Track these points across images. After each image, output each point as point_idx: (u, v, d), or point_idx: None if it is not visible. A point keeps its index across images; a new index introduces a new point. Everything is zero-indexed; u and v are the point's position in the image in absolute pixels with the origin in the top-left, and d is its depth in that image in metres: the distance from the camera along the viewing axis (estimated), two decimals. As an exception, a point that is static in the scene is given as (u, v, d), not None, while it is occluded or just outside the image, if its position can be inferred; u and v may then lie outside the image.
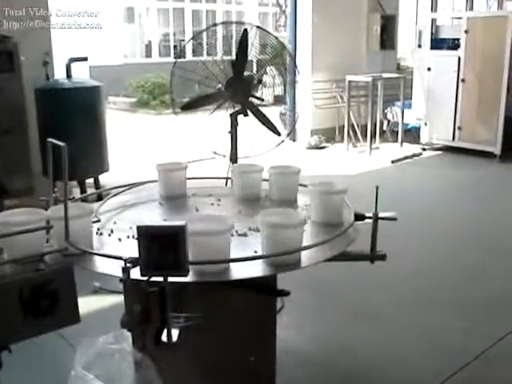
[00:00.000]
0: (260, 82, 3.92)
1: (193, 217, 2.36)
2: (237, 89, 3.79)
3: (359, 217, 2.46)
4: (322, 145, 10.19)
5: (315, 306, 4.23)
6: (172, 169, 3.02)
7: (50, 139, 1.94)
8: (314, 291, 4.35)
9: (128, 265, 1.56)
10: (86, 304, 3.66)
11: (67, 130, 6.28)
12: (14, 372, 2.06)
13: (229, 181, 3.40)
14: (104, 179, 6.73)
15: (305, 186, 2.83)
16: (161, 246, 1.49)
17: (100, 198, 3.54)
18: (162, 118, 14.44)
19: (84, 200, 3.31)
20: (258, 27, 3.98)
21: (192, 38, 4.20)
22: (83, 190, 6.50)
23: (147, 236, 1.49)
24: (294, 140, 10.26)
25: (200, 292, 1.86)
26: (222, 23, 3.91)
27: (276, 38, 3.99)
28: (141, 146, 10.56)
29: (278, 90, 4.36)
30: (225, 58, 3.87)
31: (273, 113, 10.21)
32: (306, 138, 10.22)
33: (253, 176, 3.02)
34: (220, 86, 3.76)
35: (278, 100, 13.67)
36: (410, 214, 5.55)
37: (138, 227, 1.50)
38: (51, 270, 1.81)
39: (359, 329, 3.91)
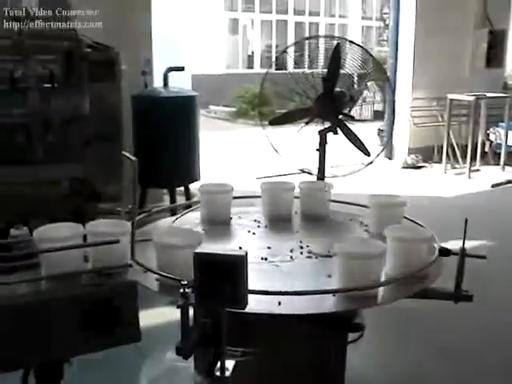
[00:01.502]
0: (352, 98, 3.79)
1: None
2: (327, 105, 3.68)
3: (444, 252, 2.28)
4: (419, 164, 9.87)
5: (392, 338, 4.04)
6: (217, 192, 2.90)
7: (124, 152, 1.91)
8: (392, 322, 4.14)
9: (186, 290, 1.49)
10: (162, 315, 3.67)
11: (161, 137, 6.41)
12: (84, 374, 2.05)
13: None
14: (195, 188, 6.80)
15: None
16: (218, 276, 1.40)
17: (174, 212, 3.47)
18: (259, 129, 14.52)
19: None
20: (351, 42, 3.85)
21: (283, 51, 4.13)
22: (173, 199, 6.58)
23: (204, 264, 1.41)
24: (390, 158, 10.02)
25: (262, 325, 1.77)
26: (312, 37, 3.82)
27: (370, 53, 3.85)
28: (233, 156, 10.64)
29: (378, 106, 4.23)
30: (316, 72, 3.78)
31: (371, 129, 10.01)
32: (402, 157, 9.94)
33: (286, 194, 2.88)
34: (309, 101, 3.67)
35: (377, 116, 13.44)
36: (509, 247, 5.18)
37: (195, 254, 1.42)
38: (114, 286, 1.77)
39: (436, 366, 3.69)
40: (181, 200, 6.47)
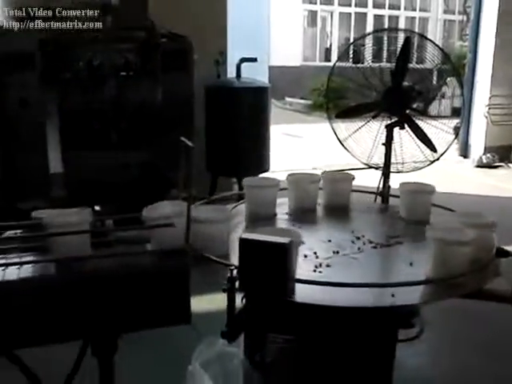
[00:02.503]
0: (420, 93, 3.73)
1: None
2: (394, 100, 3.63)
3: (502, 253, 2.22)
4: (495, 164, 9.56)
5: (445, 338, 3.96)
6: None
7: (182, 138, 1.96)
8: (445, 322, 4.05)
9: (234, 275, 1.54)
10: (217, 301, 3.74)
11: (232, 127, 6.50)
12: (138, 349, 2.13)
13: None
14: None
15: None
16: (262, 262, 1.44)
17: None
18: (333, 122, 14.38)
19: (225, 199, 3.34)
20: (420, 35, 3.78)
21: (351, 44, 4.10)
22: (242, 188, 6.65)
23: (248, 250, 1.45)
24: (465, 156, 9.76)
25: (309, 314, 1.78)
26: (382, 30, 3.77)
27: (439, 47, 3.76)
28: (305, 149, 10.62)
29: (457, 103, 4.15)
30: (385, 66, 3.73)
31: (449, 125, 9.76)
32: (478, 155, 9.66)
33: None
34: (376, 95, 3.63)
35: (456, 113, 13.08)
36: None
37: (241, 239, 1.46)
38: (168, 268, 1.83)
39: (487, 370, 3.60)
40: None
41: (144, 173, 5.36)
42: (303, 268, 1.85)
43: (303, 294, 1.71)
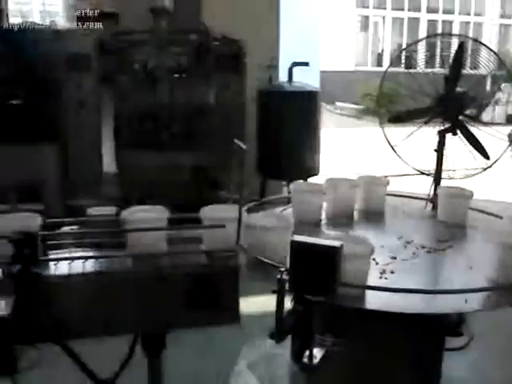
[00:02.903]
0: (473, 99, 3.68)
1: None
2: (448, 106, 3.60)
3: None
4: (551, 172, 9.33)
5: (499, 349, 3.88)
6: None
7: (235, 140, 2.00)
8: (495, 332, 3.97)
9: (284, 277, 1.56)
10: (268, 303, 3.77)
11: (283, 131, 6.53)
12: (186, 347, 2.18)
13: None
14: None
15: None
16: (312, 265, 1.46)
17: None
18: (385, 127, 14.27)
19: (275, 202, 3.36)
20: (474, 40, 3.73)
21: (404, 49, 4.07)
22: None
23: (299, 252, 1.47)
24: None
25: (359, 319, 1.79)
26: (435, 35, 3.74)
27: (496, 54, 3.70)
28: (354, 154, 10.57)
29: (510, 109, 4.07)
30: (438, 71, 3.70)
31: (503, 132, 9.57)
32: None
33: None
34: (429, 101, 3.61)
35: (510, 119, 12.81)
36: None
37: (292, 241, 1.48)
38: (218, 269, 1.87)
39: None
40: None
41: (194, 174, 5.44)
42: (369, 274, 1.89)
43: (373, 300, 1.75)
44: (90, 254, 1.91)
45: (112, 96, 5.55)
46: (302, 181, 3.00)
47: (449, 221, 2.76)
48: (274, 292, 1.58)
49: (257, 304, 3.41)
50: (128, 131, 5.45)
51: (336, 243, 1.46)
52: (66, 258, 1.88)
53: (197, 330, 1.97)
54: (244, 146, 1.85)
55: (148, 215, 1.96)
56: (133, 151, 5.38)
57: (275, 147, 6.63)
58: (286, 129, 6.55)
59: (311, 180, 6.75)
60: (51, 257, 1.85)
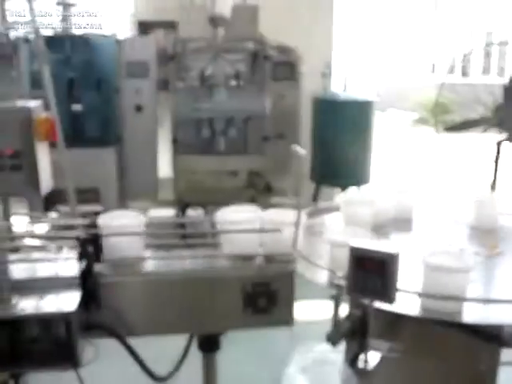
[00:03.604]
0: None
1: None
2: (506, 115, 3.55)
3: None
4: None
5: None
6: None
7: (294, 145, 2.03)
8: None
9: (340, 282, 1.59)
10: (321, 308, 3.79)
11: (336, 139, 6.54)
12: (236, 351, 2.21)
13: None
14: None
15: None
16: (369, 270, 1.48)
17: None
18: (437, 136, 14.08)
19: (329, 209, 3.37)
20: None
21: (460, 58, 4.04)
22: (343, 199, 6.67)
23: (357, 257, 1.50)
24: None
25: (415, 326, 1.80)
26: (491, 44, 3.70)
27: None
28: (406, 162, 10.45)
29: None
30: (495, 81, 3.66)
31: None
32: None
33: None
34: (486, 110, 3.57)
35: None
36: None
37: (351, 247, 1.51)
38: (274, 272, 1.90)
39: None
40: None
41: (249, 179, 5.51)
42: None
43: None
44: (151, 254, 1.97)
45: (169, 102, 5.67)
46: (353, 190, 2.97)
47: (482, 226, 2.73)
48: (332, 296, 1.61)
49: (308, 308, 3.44)
50: (184, 136, 5.56)
51: (393, 250, 1.48)
52: (127, 258, 1.95)
53: (250, 332, 2.01)
54: (304, 152, 1.88)
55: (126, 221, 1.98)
56: (189, 156, 5.49)
57: (329, 154, 6.64)
58: (340, 136, 6.55)
59: (363, 188, 6.74)
60: (114, 256, 1.91)
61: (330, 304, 3.61)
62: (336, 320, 1.62)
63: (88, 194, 5.46)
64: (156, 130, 5.88)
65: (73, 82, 5.52)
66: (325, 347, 2.94)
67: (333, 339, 1.63)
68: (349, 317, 1.65)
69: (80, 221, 1.87)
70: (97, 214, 1.95)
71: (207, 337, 2.05)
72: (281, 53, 5.89)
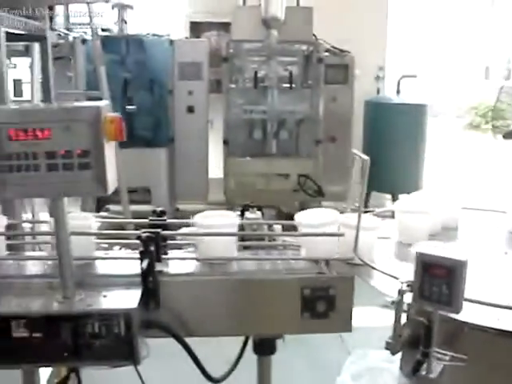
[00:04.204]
0: None
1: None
2: None
3: None
4: None
5: None
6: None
7: (354, 150, 2.01)
8: None
9: (404, 288, 1.56)
10: (372, 315, 3.75)
11: (388, 143, 6.47)
12: (289, 356, 2.20)
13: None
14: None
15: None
16: (436, 277, 1.45)
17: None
18: (491, 142, 13.77)
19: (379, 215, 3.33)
20: None
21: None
22: (395, 204, 6.59)
23: (423, 264, 1.47)
24: None
25: (481, 336, 1.75)
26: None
27: None
28: (459, 168, 10.27)
29: None
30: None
31: None
32: None
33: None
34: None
35: None
36: None
37: (418, 253, 1.48)
38: (334, 277, 1.88)
39: None
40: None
41: (299, 182, 5.50)
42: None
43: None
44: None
45: (221, 103, 5.71)
46: (408, 197, 2.89)
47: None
48: (393, 303, 1.58)
49: (360, 315, 3.40)
50: (236, 138, 5.58)
51: (462, 257, 1.45)
52: (185, 258, 1.96)
53: (303, 337, 2.00)
54: (366, 157, 1.86)
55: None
56: (240, 158, 5.51)
57: (380, 159, 6.56)
58: (392, 141, 6.48)
59: (417, 195, 6.63)
60: (173, 255, 1.93)
61: (381, 311, 3.57)
62: (397, 327, 1.59)
63: (139, 194, 5.56)
64: (207, 131, 5.92)
65: (127, 82, 5.60)
66: (377, 355, 2.90)
67: (393, 347, 1.60)
68: (409, 324, 1.61)
69: (144, 220, 1.89)
70: (155, 213, 1.97)
71: (263, 340, 2.04)
72: (334, 55, 5.87)
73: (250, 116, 5.50)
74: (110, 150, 1.57)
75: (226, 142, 5.56)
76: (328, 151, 5.65)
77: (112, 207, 5.53)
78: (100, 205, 5.60)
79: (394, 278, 1.71)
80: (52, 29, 4.53)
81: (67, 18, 5.24)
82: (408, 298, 1.58)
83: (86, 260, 1.91)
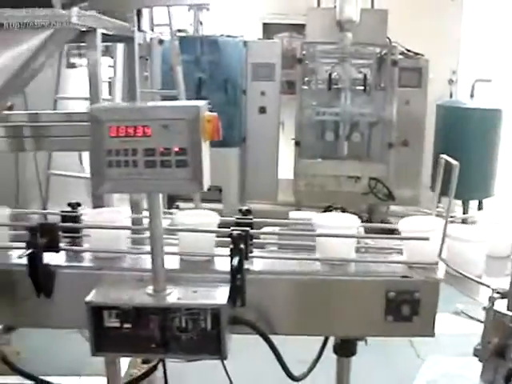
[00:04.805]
0: None
1: None
2: None
3: None
4: None
5: None
6: None
7: (442, 155, 2.00)
8: None
9: (495, 295, 1.54)
10: (444, 322, 3.70)
11: (460, 148, 6.33)
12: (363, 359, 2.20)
13: None
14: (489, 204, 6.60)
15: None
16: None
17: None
18: None
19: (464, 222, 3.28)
20: None
21: None
22: (465, 211, 6.47)
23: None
24: None
25: None
26: None
27: None
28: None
29: None
30: None
31: None
32: None
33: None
34: None
35: None
36: None
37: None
38: (420, 280, 1.87)
39: None
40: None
41: (370, 185, 5.47)
42: None
43: None
44: (292, 255, 2.00)
45: (292, 104, 5.73)
46: (491, 206, 2.82)
47: None
48: (484, 309, 1.56)
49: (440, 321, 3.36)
50: (307, 139, 5.60)
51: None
52: (269, 257, 1.99)
53: (378, 341, 1.99)
54: (456, 162, 1.84)
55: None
56: (311, 159, 5.53)
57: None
58: (465, 146, 6.34)
59: (488, 201, 6.50)
60: (258, 254, 1.96)
61: (452, 318, 3.49)
62: (486, 333, 1.57)
63: (210, 193, 5.64)
64: (278, 132, 5.96)
65: (201, 82, 5.70)
66: (452, 361, 2.86)
67: (482, 354, 1.58)
68: (497, 332, 1.59)
69: (233, 218, 1.93)
70: (240, 211, 2.01)
71: (344, 341, 2.05)
72: (408, 58, 5.81)
73: (322, 118, 5.51)
74: (206, 148, 1.61)
75: (297, 144, 5.59)
76: (399, 155, 5.59)
77: (182, 205, 5.64)
78: (170, 202, 5.71)
79: (485, 285, 1.70)
80: (139, 30, 4.65)
81: (151, 19, 5.36)
82: (498, 305, 1.57)
83: (178, 254, 1.95)
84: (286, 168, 5.91)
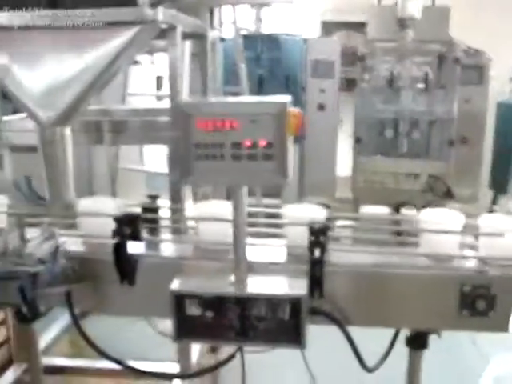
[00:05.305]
0: None
1: None
2: None
3: None
4: None
5: None
6: None
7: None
8: None
9: None
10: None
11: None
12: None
13: None
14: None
15: None
16: None
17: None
18: None
19: None
20: None
21: None
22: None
23: None
24: None
25: None
26: None
27: None
28: None
29: None
30: None
31: None
32: None
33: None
34: None
35: None
36: None
37: None
38: (496, 276, 1.89)
39: None
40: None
41: (428, 183, 5.44)
42: None
43: None
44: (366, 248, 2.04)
45: (351, 102, 5.74)
46: None
47: None
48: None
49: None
50: (366, 136, 5.60)
51: None
52: (346, 250, 2.04)
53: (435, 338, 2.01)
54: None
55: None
56: (370, 156, 5.53)
57: (510, 163, 6.36)
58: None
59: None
60: (335, 247, 2.01)
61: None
62: None
63: (270, 188, 5.69)
64: (336, 129, 5.97)
65: (262, 79, 5.76)
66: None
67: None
68: None
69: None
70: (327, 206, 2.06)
71: (417, 333, 2.09)
72: (469, 56, 5.74)
73: (381, 115, 5.50)
74: (290, 143, 1.66)
75: (357, 141, 5.59)
76: (459, 153, 5.54)
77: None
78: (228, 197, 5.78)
79: None
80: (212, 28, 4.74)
81: (219, 18, 5.44)
82: None
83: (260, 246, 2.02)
84: (343, 165, 5.92)
